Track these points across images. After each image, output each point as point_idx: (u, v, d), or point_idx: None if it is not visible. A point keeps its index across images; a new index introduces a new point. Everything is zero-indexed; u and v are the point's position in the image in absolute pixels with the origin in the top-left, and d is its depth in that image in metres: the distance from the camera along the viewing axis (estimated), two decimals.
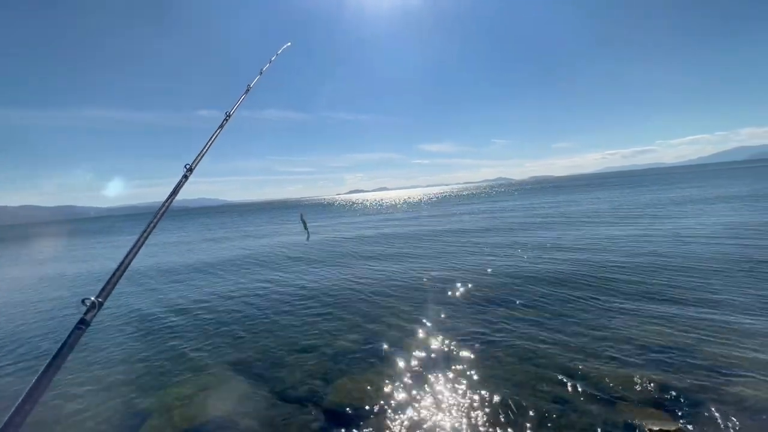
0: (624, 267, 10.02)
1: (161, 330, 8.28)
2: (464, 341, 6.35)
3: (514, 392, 4.77)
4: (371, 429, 4.38)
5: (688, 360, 5.19)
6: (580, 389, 4.73)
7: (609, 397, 4.54)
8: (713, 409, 4.18)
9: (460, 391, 4.93)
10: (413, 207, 52.21)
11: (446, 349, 6.17)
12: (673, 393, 4.51)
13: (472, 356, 5.83)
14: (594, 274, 9.65)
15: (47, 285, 15.19)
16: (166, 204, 1.78)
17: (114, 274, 1.50)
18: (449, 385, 5.10)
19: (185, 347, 7.15)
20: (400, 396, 4.96)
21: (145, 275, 14.73)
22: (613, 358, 5.39)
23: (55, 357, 1.23)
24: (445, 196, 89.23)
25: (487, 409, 4.52)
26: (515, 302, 8.00)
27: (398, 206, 58.26)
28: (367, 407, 4.76)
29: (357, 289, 10.14)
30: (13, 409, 1.09)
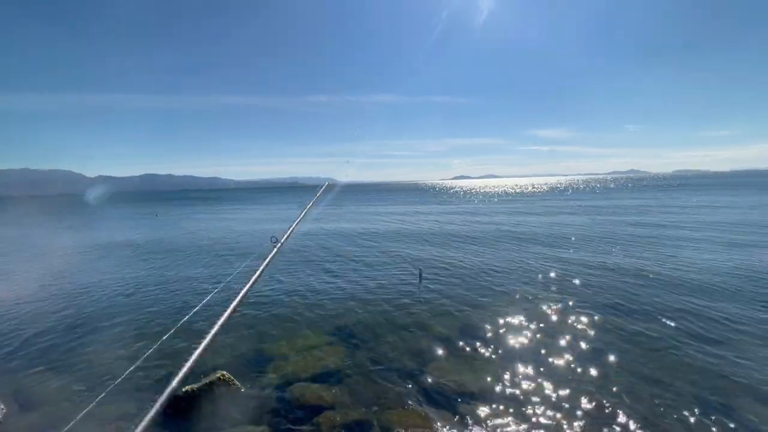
0: None
1: (289, 289, 9.65)
2: (573, 345, 6.04)
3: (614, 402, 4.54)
4: (461, 414, 4.49)
5: None
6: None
7: None
8: None
9: (564, 396, 4.73)
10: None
11: (551, 348, 5.96)
12: None
13: (579, 362, 5.51)
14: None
15: (238, 229, 23.38)
16: (326, 183, 2.63)
17: (291, 226, 2.35)
18: (550, 385, 4.95)
19: (311, 308, 8.08)
20: (494, 387, 4.96)
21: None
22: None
23: (253, 281, 2.08)
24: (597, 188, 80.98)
25: (581, 415, 4.37)
26: (650, 310, 7.29)
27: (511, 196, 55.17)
28: (458, 393, 4.86)
29: (464, 277, 10.13)
30: (224, 315, 1.69)
